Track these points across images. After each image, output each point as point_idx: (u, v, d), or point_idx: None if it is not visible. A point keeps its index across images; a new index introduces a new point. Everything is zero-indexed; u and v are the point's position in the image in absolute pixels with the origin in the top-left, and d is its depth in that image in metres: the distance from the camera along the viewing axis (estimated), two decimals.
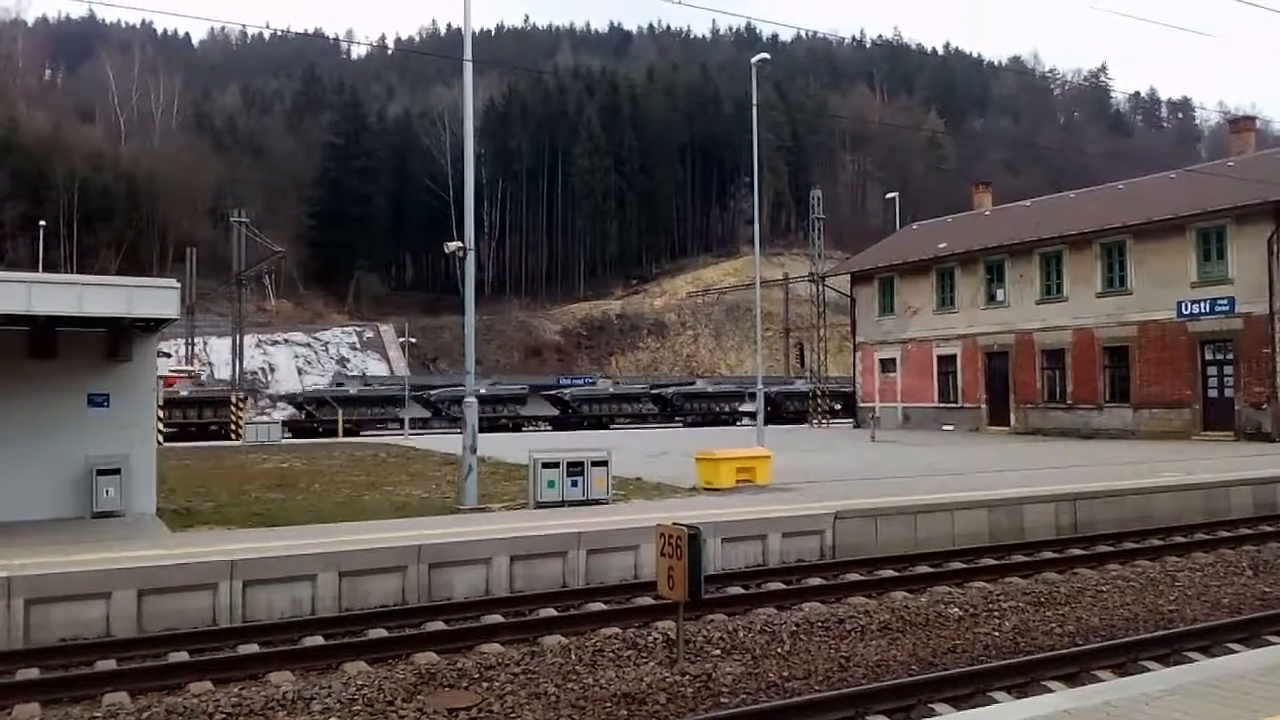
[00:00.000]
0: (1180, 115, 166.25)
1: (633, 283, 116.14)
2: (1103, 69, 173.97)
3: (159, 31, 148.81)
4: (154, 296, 13.53)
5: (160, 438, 23.09)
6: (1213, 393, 31.07)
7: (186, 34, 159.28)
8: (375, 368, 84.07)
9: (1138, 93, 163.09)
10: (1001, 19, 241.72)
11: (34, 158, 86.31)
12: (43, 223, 67.21)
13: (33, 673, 8.72)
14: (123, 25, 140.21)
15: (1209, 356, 31.20)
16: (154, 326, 14.99)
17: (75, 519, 14.44)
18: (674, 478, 19.12)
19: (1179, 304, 31.49)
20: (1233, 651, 8.86)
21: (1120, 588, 11.72)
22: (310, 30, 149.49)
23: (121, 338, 14.94)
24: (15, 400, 14.46)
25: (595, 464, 15.86)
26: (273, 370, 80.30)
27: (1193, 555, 13.79)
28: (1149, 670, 8.14)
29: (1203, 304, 30.94)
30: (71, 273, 67.22)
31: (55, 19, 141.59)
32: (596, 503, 15.53)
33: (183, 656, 9.19)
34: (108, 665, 8.93)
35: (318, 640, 9.73)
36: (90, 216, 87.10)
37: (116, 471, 14.64)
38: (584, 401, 56.53)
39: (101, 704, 7.90)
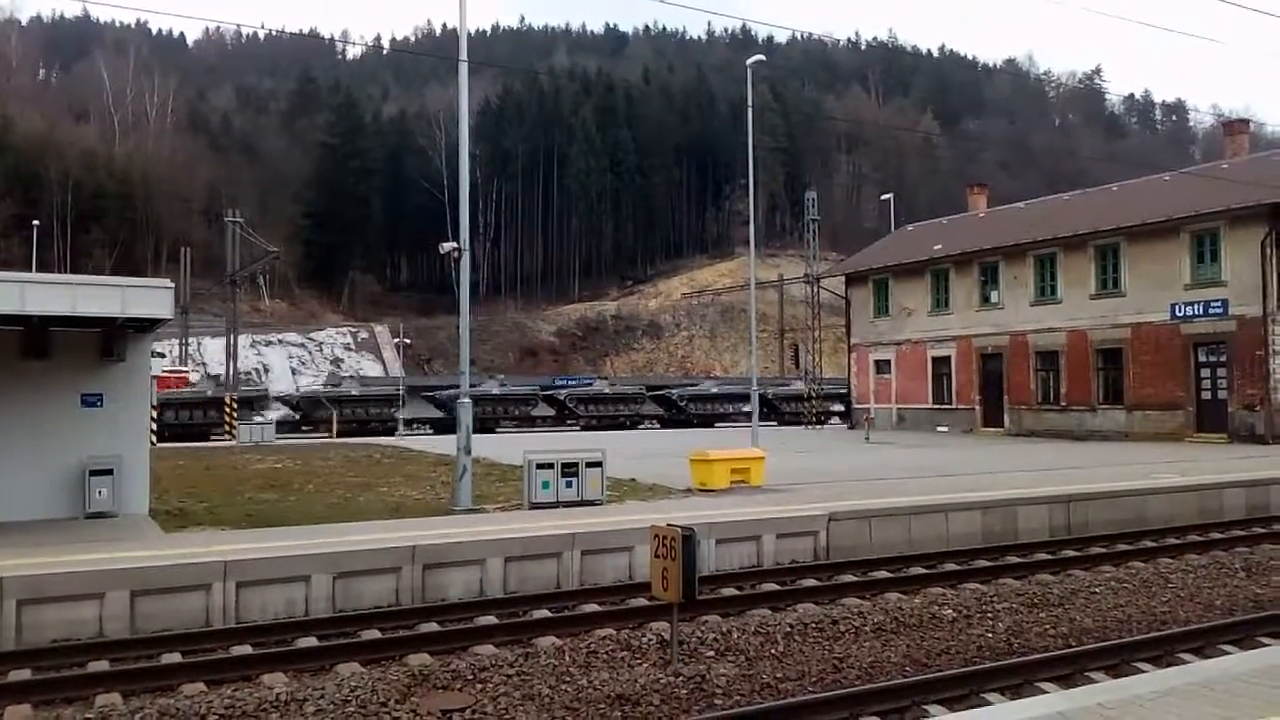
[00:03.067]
0: (1174, 118, 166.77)
1: (628, 284, 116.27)
2: (1097, 71, 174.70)
3: (154, 31, 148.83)
4: (148, 297, 13.50)
5: (154, 438, 23.04)
6: (1206, 395, 31.14)
7: (181, 34, 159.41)
8: (370, 368, 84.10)
9: (1132, 95, 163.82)
10: (996, 21, 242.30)
11: (28, 157, 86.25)
12: (36, 222, 67.02)
13: (25, 674, 8.68)
14: (117, 25, 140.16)
15: (1202, 359, 31.28)
16: (148, 327, 14.96)
17: (68, 519, 14.39)
18: (669, 478, 19.10)
19: (1173, 306, 31.56)
20: (1226, 653, 8.88)
21: (1114, 589, 11.74)
22: (305, 30, 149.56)
23: (115, 338, 14.91)
24: (8, 400, 14.42)
25: (590, 465, 15.86)
26: (267, 371, 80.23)
27: (1186, 557, 13.81)
28: (1142, 672, 8.14)
29: (1196, 306, 31.01)
30: (65, 272, 67.14)
31: (50, 18, 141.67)
32: (591, 504, 15.52)
33: (176, 658, 9.16)
34: (100, 666, 8.90)
35: (311, 641, 9.70)
36: (84, 216, 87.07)
37: (110, 472, 14.60)
38: (580, 402, 56.45)
39: (94, 705, 7.88)
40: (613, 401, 57.06)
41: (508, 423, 52.04)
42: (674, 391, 59.49)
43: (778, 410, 56.76)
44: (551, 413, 55.77)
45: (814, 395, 51.96)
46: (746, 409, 58.39)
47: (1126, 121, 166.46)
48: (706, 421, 55.59)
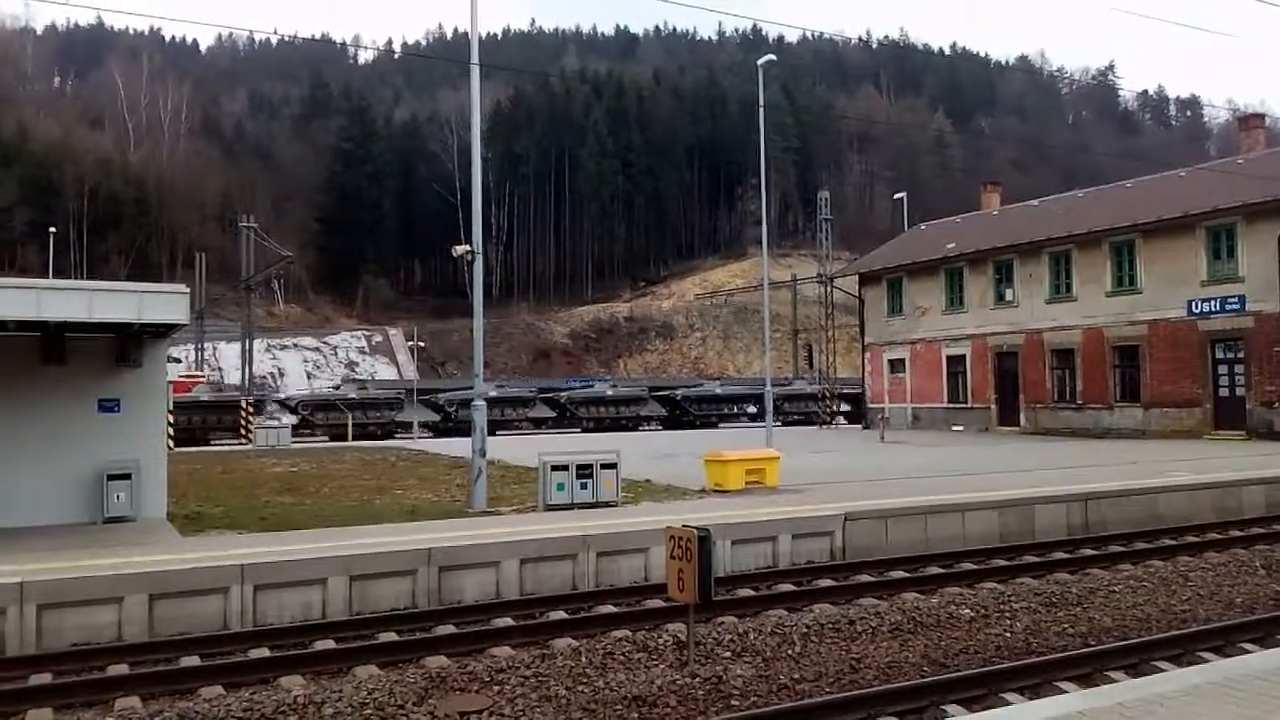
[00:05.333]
0: (1189, 113, 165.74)
1: (640, 285, 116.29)
2: (1110, 68, 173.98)
3: (167, 38, 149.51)
4: (163, 302, 13.55)
5: (170, 442, 23.15)
6: (1224, 392, 30.93)
7: (194, 40, 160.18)
8: (384, 371, 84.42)
9: (1146, 91, 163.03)
10: (1008, 18, 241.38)
11: (44, 164, 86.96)
12: (52, 229, 67.47)
13: (45, 678, 8.74)
14: (131, 32, 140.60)
15: (1220, 355, 31.08)
16: (164, 332, 15.03)
17: (86, 524, 14.47)
18: (683, 479, 19.09)
19: (1189, 303, 31.37)
20: (1246, 651, 8.81)
21: (1133, 588, 11.67)
22: (317, 36, 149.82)
23: (131, 343, 15.00)
24: (27, 406, 14.52)
25: (604, 466, 15.85)
26: (282, 374, 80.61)
27: (1205, 555, 13.72)
28: (1162, 670, 8.09)
29: (1213, 302, 30.82)
30: (81, 279, 67.54)
31: (64, 26, 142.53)
32: (606, 505, 15.52)
33: (194, 661, 9.21)
34: (120, 670, 8.95)
35: (329, 644, 9.74)
36: (100, 223, 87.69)
37: (127, 476, 14.68)
38: (581, 404, 56.39)
39: (114, 709, 7.93)
40: (614, 403, 56.77)
41: (505, 426, 51.74)
42: (677, 392, 59.12)
43: (780, 410, 56.46)
44: (552, 415, 55.57)
45: (828, 395, 51.87)
46: (749, 410, 58.58)
47: (1140, 118, 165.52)
48: (709, 423, 55.42)
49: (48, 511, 14.38)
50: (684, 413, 56.91)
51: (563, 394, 57.14)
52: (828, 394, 51.83)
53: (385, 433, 48.28)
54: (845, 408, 54.04)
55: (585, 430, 51.77)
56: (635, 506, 15.61)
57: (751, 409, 58.60)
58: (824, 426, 49.22)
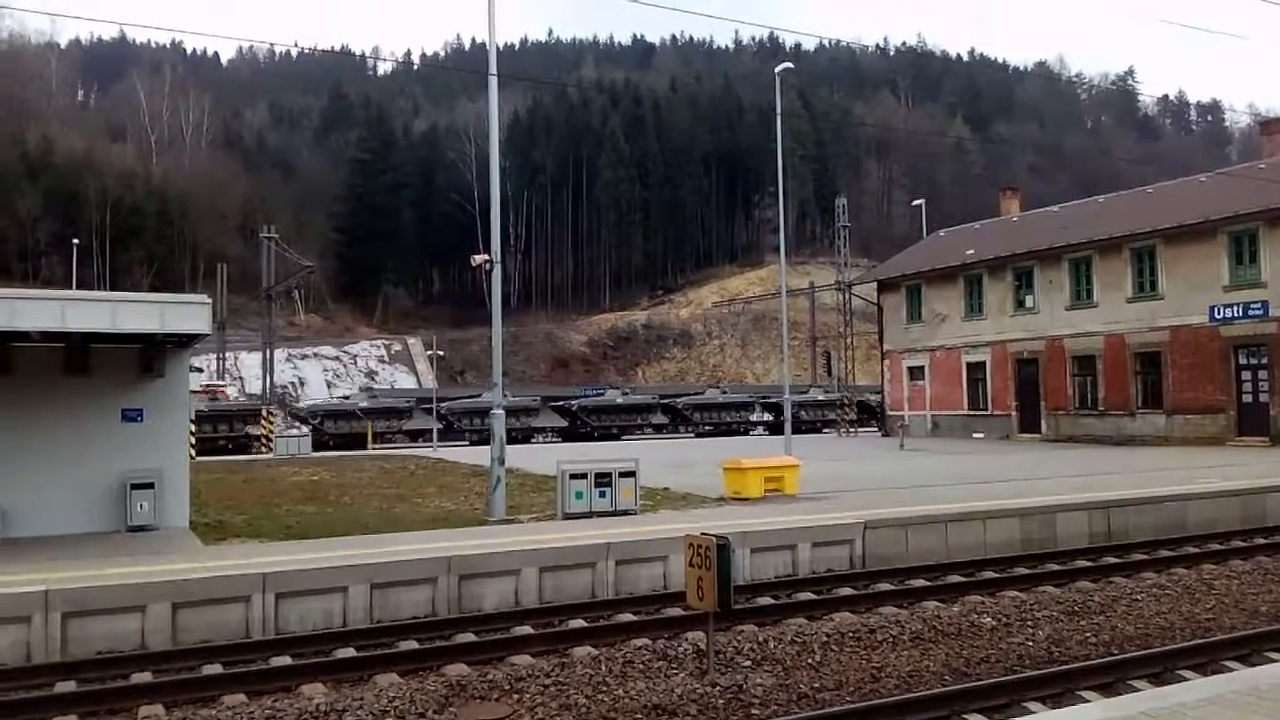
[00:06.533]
0: (1209, 118, 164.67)
1: (658, 293, 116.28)
2: (1130, 72, 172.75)
3: (188, 51, 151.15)
4: (186, 312, 13.67)
5: (193, 452, 23.34)
6: (1247, 398, 30.65)
7: (215, 53, 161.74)
8: (404, 381, 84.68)
9: (1166, 96, 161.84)
10: (1026, 23, 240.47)
11: (67, 177, 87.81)
12: (76, 241, 68.31)
13: (70, 685, 8.81)
14: (153, 45, 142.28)
15: (1243, 361, 30.80)
16: (186, 342, 15.16)
17: (110, 533, 14.59)
18: (701, 488, 19.07)
19: (1211, 308, 31.12)
20: (1272, 660, 8.71)
21: (1156, 596, 11.57)
22: (337, 47, 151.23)
23: (154, 353, 15.13)
24: (51, 416, 14.67)
25: (623, 475, 15.87)
26: (303, 384, 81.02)
27: (1230, 563, 13.59)
28: (1186, 680, 8.02)
29: (1235, 308, 30.56)
30: (104, 290, 68.17)
31: (88, 41, 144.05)
32: (624, 513, 15.52)
33: (217, 669, 9.26)
34: (143, 678, 9.02)
35: (350, 652, 9.77)
36: (122, 234, 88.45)
37: (150, 485, 14.79)
38: (591, 412, 56.26)
39: (137, 716, 8.00)
40: (625, 411, 56.58)
41: (509, 436, 51.56)
42: (679, 401, 58.87)
43: (794, 418, 56.05)
44: (564, 423, 55.49)
45: (847, 402, 51.70)
46: (753, 418, 58.38)
47: (1160, 123, 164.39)
48: (710, 431, 55.18)
49: (71, 520, 14.51)
50: (683, 421, 56.64)
51: (573, 403, 56.96)
52: (846, 401, 51.62)
53: (388, 442, 48.49)
54: (852, 415, 53.74)
55: (601, 438, 51.79)
56: (654, 515, 15.61)
57: (754, 417, 58.48)
58: (844, 434, 49.03)
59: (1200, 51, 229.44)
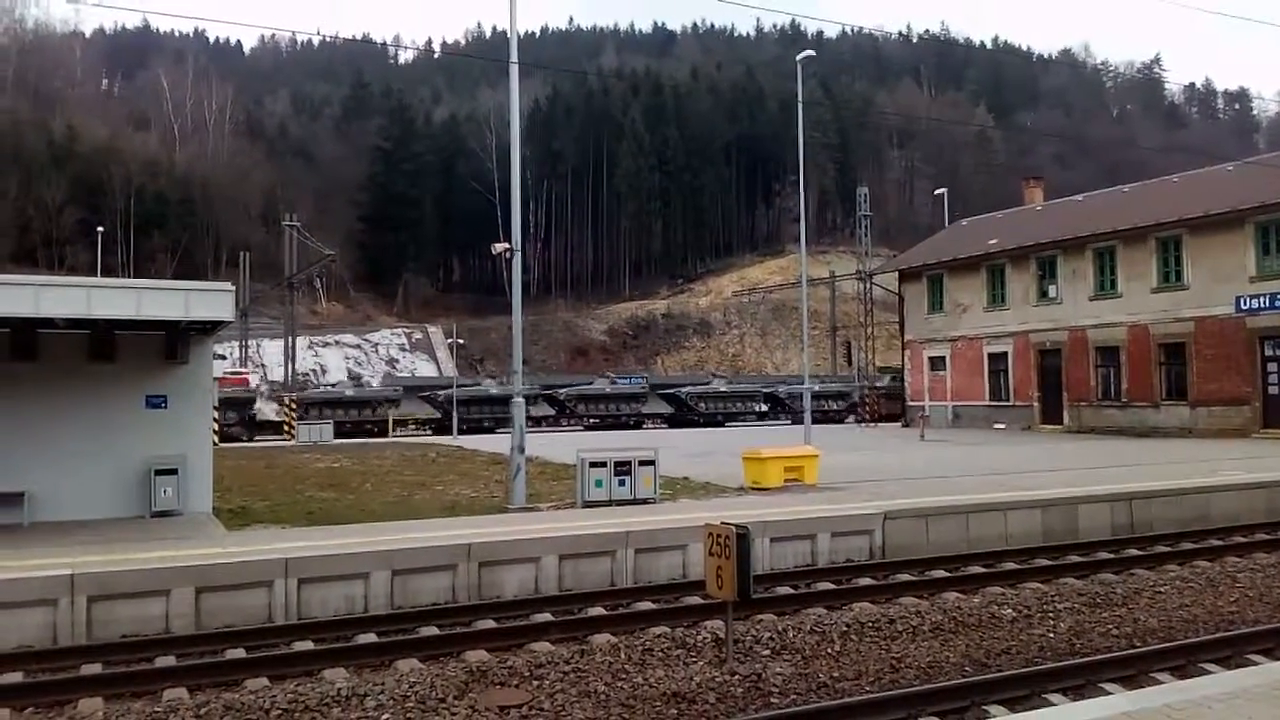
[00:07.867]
0: (1237, 106, 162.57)
1: (678, 282, 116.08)
2: (1156, 60, 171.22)
3: (211, 40, 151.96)
4: (209, 300, 13.76)
5: (216, 438, 23.53)
6: (1273, 389, 30.33)
7: (238, 42, 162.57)
8: (424, 368, 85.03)
9: (1193, 84, 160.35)
10: (1051, 10, 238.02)
11: (92, 165, 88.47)
12: (100, 228, 68.86)
13: (96, 668, 8.93)
14: (176, 34, 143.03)
15: (1269, 352, 30.47)
16: (210, 329, 15.28)
17: (134, 518, 14.75)
18: (721, 477, 19.07)
19: (1237, 299, 30.79)
20: None
21: (1179, 588, 11.49)
22: (358, 36, 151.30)
23: (178, 340, 15.25)
24: (76, 402, 14.82)
25: (642, 463, 15.90)
26: (324, 371, 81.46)
27: (1254, 556, 13.48)
28: (1209, 673, 7.96)
29: (1262, 299, 30.22)
30: (129, 277, 68.76)
31: (111, 29, 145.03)
32: (644, 502, 15.55)
33: (240, 653, 9.35)
34: (167, 661, 9.13)
35: (371, 638, 9.85)
36: (146, 222, 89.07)
37: (174, 471, 14.94)
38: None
39: (161, 699, 8.08)
40: (613, 400, 56.40)
41: (506, 424, 51.39)
42: (683, 390, 58.59)
43: (791, 409, 55.84)
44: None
45: (869, 392, 51.49)
46: (758, 408, 58.31)
47: (1187, 111, 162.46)
48: (714, 421, 55.01)
49: (96, 505, 14.67)
50: (688, 410, 56.52)
51: (561, 391, 56.77)
52: (868, 391, 51.39)
53: (380, 430, 48.49)
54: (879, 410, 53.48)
55: (588, 428, 51.66)
56: (673, 503, 15.63)
57: (759, 407, 58.47)
58: (863, 424, 48.84)
59: (1228, 39, 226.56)
